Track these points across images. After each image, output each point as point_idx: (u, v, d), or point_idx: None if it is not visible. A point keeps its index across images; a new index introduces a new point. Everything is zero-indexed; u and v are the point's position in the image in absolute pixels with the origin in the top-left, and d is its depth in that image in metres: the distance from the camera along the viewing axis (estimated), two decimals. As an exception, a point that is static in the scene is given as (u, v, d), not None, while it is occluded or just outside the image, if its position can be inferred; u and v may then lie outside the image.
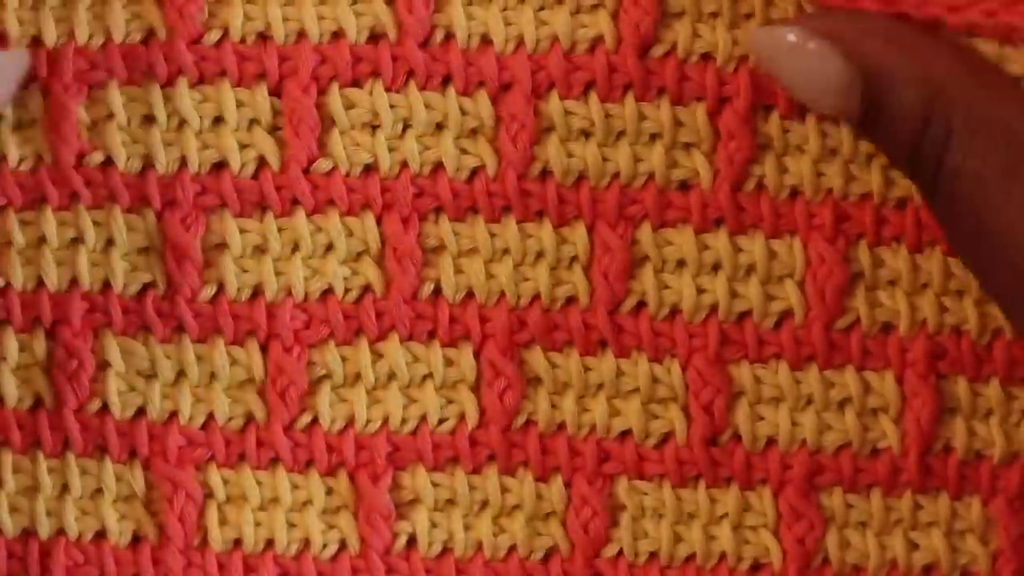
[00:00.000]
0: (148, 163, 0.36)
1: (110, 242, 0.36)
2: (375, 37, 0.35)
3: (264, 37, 0.35)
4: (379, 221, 0.36)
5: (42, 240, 0.36)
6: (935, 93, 0.32)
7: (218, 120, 0.36)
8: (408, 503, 0.36)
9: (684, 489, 0.36)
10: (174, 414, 0.36)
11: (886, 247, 0.35)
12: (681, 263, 0.36)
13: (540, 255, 0.36)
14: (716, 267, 0.36)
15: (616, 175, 0.36)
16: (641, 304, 0.36)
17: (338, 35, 0.35)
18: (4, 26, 0.35)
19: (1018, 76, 0.33)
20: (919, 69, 0.32)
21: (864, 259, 0.35)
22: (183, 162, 0.36)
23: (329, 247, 0.36)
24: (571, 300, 0.36)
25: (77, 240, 0.36)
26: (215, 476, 0.36)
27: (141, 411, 0.36)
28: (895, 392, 0.35)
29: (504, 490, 0.36)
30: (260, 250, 0.36)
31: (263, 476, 0.36)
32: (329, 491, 0.36)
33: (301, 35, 0.35)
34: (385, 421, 0.36)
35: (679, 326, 0.36)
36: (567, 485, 0.36)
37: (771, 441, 0.36)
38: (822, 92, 0.33)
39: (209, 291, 0.36)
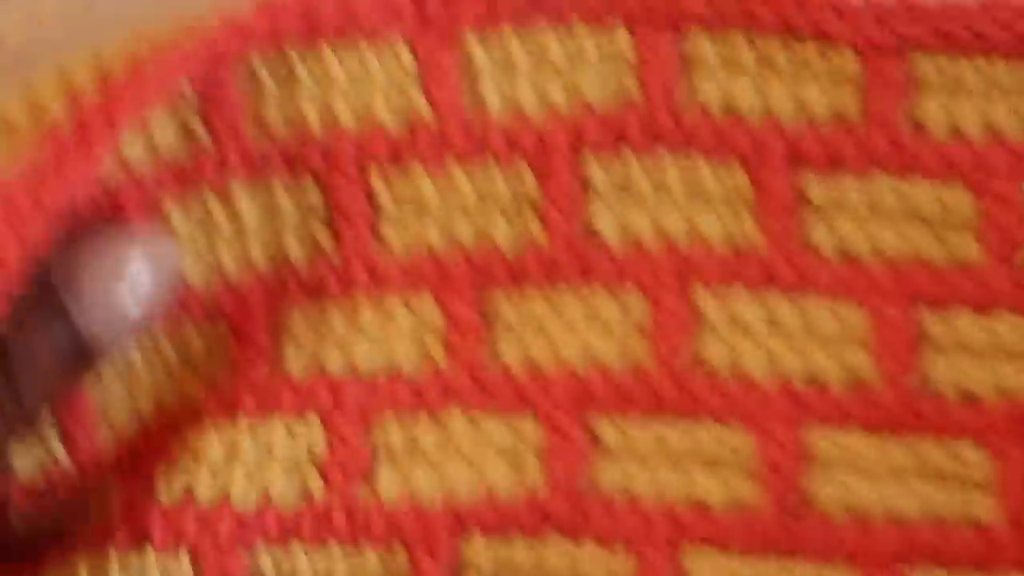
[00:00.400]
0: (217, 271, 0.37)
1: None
2: (409, 121, 0.36)
3: (301, 129, 0.36)
4: (437, 300, 0.37)
5: None
6: None
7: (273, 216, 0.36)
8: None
9: None
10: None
11: None
12: None
13: (594, 319, 0.37)
14: None
15: (665, 235, 0.36)
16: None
17: (372, 123, 0.36)
18: None
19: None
20: None
21: None
22: (249, 264, 0.37)
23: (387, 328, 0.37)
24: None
25: None
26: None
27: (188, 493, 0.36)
28: None
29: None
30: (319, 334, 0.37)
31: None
32: None
33: (336, 125, 0.36)
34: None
35: None
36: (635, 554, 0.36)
37: None
38: None
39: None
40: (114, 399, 0.36)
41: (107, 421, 0.36)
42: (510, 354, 0.37)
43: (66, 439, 0.36)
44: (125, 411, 0.36)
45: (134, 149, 0.35)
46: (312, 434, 0.36)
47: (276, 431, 0.36)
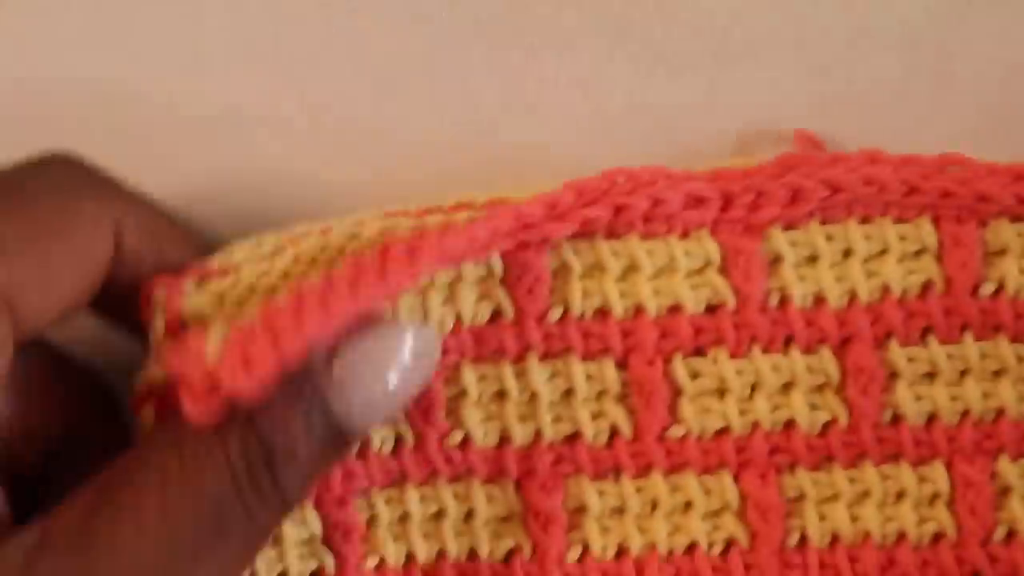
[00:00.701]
0: (505, 436, 0.38)
1: (470, 514, 0.38)
2: (712, 307, 0.37)
3: (604, 312, 0.37)
4: (736, 479, 0.38)
5: (406, 516, 0.38)
6: None
7: (568, 392, 0.38)
8: None
9: None
10: None
11: None
12: None
13: (901, 495, 0.37)
14: None
15: (967, 412, 0.37)
16: (1011, 533, 0.37)
17: (675, 308, 0.37)
18: None
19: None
20: None
21: None
22: (537, 435, 0.38)
23: (688, 505, 0.38)
24: (938, 536, 0.37)
25: (440, 514, 0.38)
26: None
27: None
28: None
29: None
30: (619, 511, 0.38)
31: None
32: None
33: (639, 310, 0.37)
34: None
35: None
36: None
37: None
38: None
39: (574, 552, 0.38)
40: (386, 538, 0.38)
41: (375, 552, 0.38)
42: (814, 530, 0.37)
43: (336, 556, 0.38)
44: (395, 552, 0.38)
45: (436, 309, 0.37)
46: None
47: None
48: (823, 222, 0.37)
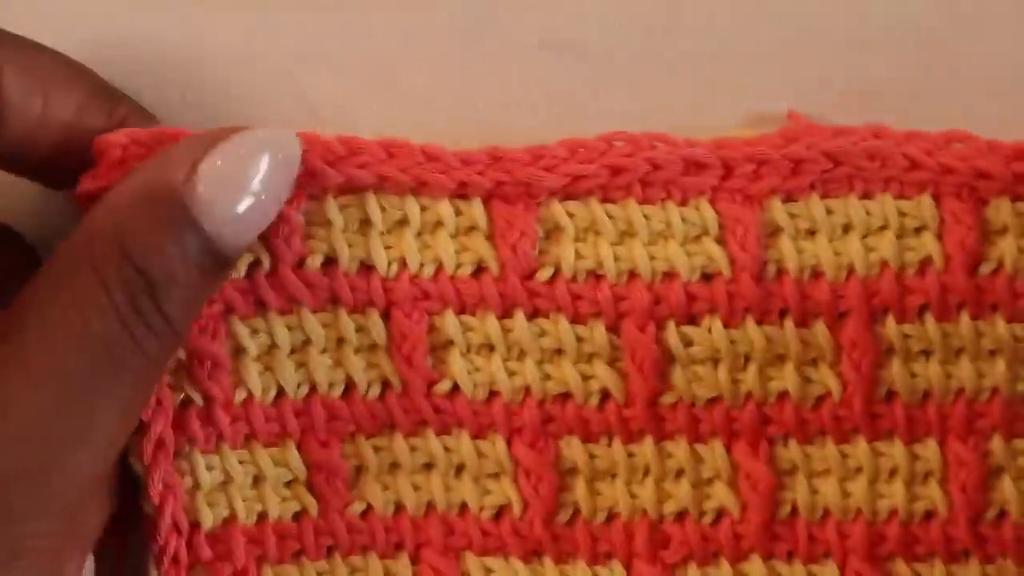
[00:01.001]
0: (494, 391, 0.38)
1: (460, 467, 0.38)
2: (707, 276, 0.37)
3: (596, 275, 0.37)
4: (728, 449, 0.37)
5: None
6: None
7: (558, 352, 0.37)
8: None
9: None
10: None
11: None
12: None
13: (893, 472, 0.37)
14: None
15: (961, 391, 0.36)
16: (1002, 513, 0.36)
17: (670, 275, 0.37)
18: None
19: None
20: None
21: None
22: (527, 392, 0.37)
23: (679, 473, 0.38)
24: (929, 514, 0.37)
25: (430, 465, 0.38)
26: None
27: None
28: None
29: None
30: (610, 474, 0.38)
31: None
32: None
33: (633, 274, 0.37)
34: None
35: None
36: None
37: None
38: None
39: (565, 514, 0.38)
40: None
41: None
42: (803, 504, 0.37)
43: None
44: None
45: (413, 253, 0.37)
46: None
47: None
48: (824, 195, 0.36)
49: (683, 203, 0.37)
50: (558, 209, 0.37)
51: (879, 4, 0.38)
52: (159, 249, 0.33)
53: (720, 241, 0.37)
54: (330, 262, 0.37)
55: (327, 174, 0.36)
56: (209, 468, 0.38)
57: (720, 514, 0.37)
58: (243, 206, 0.34)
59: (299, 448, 0.38)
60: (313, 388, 0.38)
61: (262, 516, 0.38)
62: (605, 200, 0.37)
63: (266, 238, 0.36)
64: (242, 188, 0.34)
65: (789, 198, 0.37)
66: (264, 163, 0.34)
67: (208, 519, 0.38)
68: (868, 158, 0.36)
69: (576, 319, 0.37)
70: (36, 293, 0.34)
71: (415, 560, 0.38)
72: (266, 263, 0.37)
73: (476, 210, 0.37)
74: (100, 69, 0.38)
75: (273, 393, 0.38)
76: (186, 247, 0.34)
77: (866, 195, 0.36)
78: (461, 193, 0.36)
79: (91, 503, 0.35)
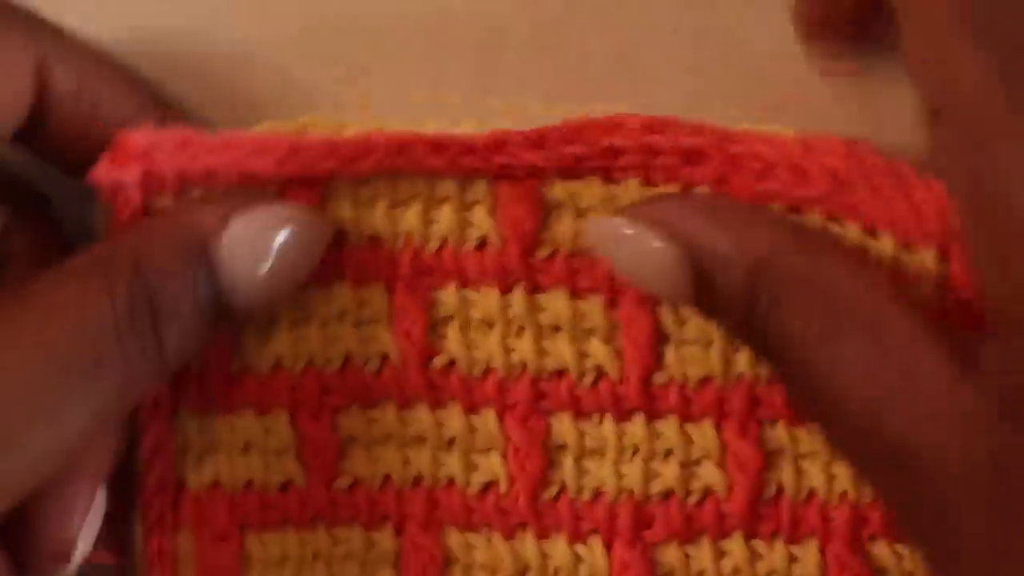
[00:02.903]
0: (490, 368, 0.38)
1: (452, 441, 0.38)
2: None
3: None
4: (718, 429, 0.37)
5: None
6: (759, 265, 0.33)
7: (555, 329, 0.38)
8: None
9: None
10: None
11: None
12: None
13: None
14: None
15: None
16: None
17: None
18: None
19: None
20: (742, 243, 0.33)
21: None
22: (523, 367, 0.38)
23: (668, 453, 0.38)
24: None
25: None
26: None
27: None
28: None
29: None
30: (599, 452, 0.38)
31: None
32: None
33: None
34: None
35: None
36: None
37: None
38: (652, 276, 0.34)
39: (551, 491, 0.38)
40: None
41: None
42: (788, 485, 0.37)
43: None
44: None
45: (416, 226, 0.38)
46: None
47: None
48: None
49: (687, 186, 0.37)
50: (559, 188, 0.37)
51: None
52: (172, 276, 0.34)
53: None
54: (338, 236, 0.37)
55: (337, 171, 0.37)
56: (200, 432, 0.38)
57: (706, 494, 0.37)
58: (261, 271, 0.35)
59: (291, 419, 0.38)
60: (310, 361, 0.38)
61: (248, 484, 0.38)
62: (607, 182, 0.37)
63: None
64: (265, 255, 0.35)
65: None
66: (290, 239, 0.36)
67: (194, 482, 0.38)
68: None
69: (574, 295, 0.37)
70: (48, 278, 0.35)
71: (399, 532, 0.39)
72: None
73: (480, 188, 0.37)
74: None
75: (270, 364, 0.38)
76: (197, 286, 0.35)
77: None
78: (467, 178, 0.37)
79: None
